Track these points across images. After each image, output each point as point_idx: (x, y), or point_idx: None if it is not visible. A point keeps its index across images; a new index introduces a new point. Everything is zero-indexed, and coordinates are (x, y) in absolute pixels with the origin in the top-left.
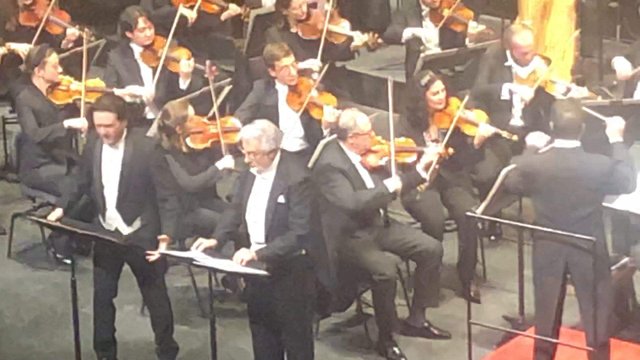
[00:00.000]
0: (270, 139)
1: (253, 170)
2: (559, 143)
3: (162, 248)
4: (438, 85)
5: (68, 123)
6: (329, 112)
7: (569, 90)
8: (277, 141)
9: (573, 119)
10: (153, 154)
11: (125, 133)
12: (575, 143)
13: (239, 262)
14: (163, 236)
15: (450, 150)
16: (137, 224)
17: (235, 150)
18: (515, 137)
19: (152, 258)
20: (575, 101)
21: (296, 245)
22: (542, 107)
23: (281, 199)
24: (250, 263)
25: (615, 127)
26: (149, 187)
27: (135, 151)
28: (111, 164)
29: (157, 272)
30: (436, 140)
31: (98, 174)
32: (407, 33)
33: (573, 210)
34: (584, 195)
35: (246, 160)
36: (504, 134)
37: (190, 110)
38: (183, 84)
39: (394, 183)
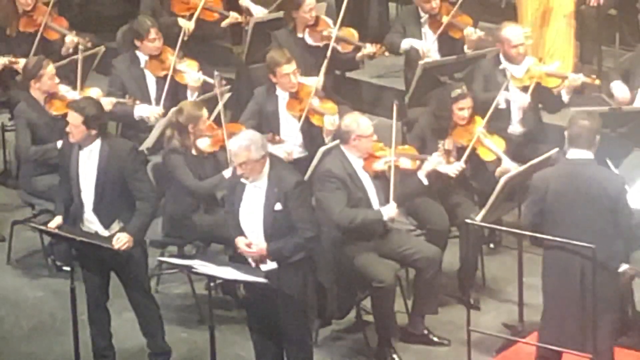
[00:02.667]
0: (259, 146)
1: (244, 180)
2: (572, 154)
3: (122, 240)
4: (466, 102)
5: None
6: (329, 121)
7: (565, 78)
8: (264, 147)
9: (588, 127)
10: (128, 158)
11: (99, 139)
12: (588, 154)
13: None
14: (124, 232)
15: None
16: (115, 227)
17: None
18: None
19: (117, 246)
20: (592, 112)
21: (307, 246)
22: (542, 103)
23: (278, 207)
24: (249, 270)
25: None
26: (125, 191)
27: (110, 155)
28: (87, 167)
29: (139, 274)
30: (448, 151)
31: (75, 178)
32: (406, 44)
33: (587, 226)
34: (596, 210)
35: (238, 172)
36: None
37: (205, 113)
38: (191, 96)
39: (390, 211)
